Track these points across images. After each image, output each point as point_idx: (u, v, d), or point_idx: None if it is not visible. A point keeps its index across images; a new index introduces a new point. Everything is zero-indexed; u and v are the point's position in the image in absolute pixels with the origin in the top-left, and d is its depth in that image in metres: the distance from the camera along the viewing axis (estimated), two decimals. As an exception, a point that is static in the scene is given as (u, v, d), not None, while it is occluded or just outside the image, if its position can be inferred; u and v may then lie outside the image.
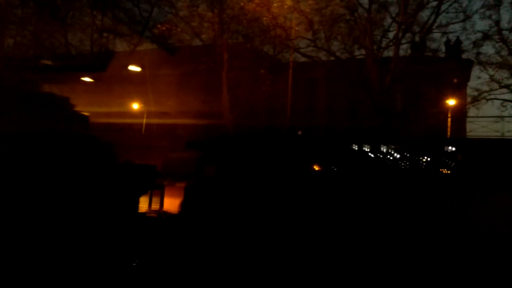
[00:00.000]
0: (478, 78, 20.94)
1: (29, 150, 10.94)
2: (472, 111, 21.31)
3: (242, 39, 23.54)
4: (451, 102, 22.04)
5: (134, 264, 8.73)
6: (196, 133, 19.67)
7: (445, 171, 13.62)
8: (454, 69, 22.23)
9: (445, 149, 14.01)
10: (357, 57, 22.69)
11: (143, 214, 14.69)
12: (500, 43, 20.42)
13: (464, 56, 21.94)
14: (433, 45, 21.55)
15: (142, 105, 21.73)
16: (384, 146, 14.25)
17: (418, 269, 8.59)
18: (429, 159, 13.86)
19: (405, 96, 25.05)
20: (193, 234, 11.69)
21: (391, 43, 21.77)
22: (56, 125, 12.17)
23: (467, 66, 22.93)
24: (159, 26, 22.73)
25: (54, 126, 12.03)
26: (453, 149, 13.89)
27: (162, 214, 15.03)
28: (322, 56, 23.12)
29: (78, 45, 20.37)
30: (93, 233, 10.22)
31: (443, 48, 22.26)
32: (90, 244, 9.38)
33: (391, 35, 22.08)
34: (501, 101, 21.04)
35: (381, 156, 14.35)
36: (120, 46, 23.00)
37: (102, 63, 19.21)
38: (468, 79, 23.77)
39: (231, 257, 9.21)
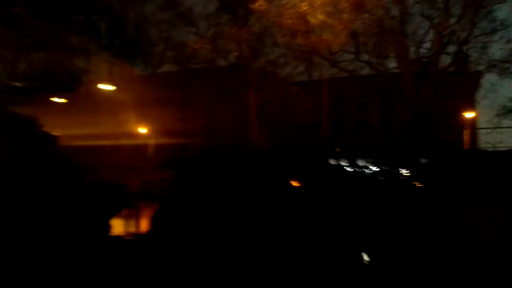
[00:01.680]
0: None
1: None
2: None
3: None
4: (470, 114, 21.57)
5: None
6: (176, 153, 19.51)
7: (417, 184, 13.15)
8: (465, 81, 21.69)
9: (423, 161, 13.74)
10: (392, 70, 22.24)
11: (118, 236, 14.20)
12: None
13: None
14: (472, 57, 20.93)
15: (122, 126, 21.48)
16: (362, 160, 13.95)
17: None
18: (407, 171, 13.52)
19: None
20: (157, 255, 11.17)
21: (430, 55, 21.15)
22: (22, 144, 11.98)
23: (477, 78, 22.30)
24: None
25: (19, 145, 11.83)
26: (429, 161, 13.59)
27: (137, 236, 14.56)
28: (361, 70, 22.77)
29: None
30: (54, 252, 9.77)
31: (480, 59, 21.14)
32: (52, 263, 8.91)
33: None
34: None
35: (358, 170, 14.01)
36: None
37: (77, 83, 19.22)
38: (476, 92, 23.10)
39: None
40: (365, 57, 23.13)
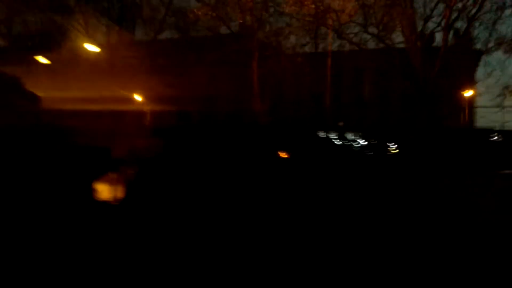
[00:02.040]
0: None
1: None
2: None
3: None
4: (468, 93, 21.53)
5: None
6: (169, 120, 19.29)
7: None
8: (466, 59, 21.43)
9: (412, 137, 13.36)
10: (399, 45, 22.27)
11: (100, 200, 14.09)
12: None
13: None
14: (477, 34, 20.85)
15: (114, 90, 21.13)
16: (351, 133, 13.54)
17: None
18: (395, 146, 13.09)
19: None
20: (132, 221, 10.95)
21: (439, 28, 21.11)
22: (4, 101, 11.81)
23: (477, 57, 22.20)
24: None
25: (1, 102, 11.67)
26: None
27: (118, 201, 14.46)
28: (368, 44, 22.74)
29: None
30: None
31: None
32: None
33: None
34: None
35: (346, 143, 13.60)
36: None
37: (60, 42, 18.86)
38: (475, 70, 23.18)
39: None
40: (373, 30, 22.86)
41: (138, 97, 21.85)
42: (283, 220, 10.84)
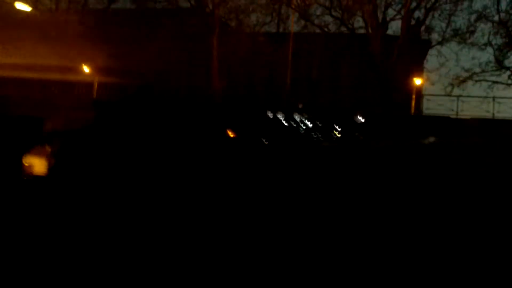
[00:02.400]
0: (472, 59, 22.47)
1: None
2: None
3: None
4: (417, 81, 22.12)
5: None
6: (110, 93, 18.29)
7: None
8: (415, 49, 22.05)
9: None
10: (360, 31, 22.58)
11: (28, 173, 13.17)
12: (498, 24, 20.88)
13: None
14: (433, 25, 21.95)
15: (55, 59, 19.70)
16: (298, 115, 13.25)
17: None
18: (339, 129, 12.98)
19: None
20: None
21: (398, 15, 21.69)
22: None
23: (426, 47, 22.99)
24: None
25: None
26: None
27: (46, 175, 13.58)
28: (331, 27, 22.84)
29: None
30: None
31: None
32: None
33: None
34: (489, 83, 21.53)
35: (294, 124, 13.26)
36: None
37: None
38: (424, 59, 23.94)
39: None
40: (337, 14, 22.90)
41: (85, 68, 20.59)
42: (224, 199, 10.40)
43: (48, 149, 13.72)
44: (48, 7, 21.42)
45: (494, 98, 20.38)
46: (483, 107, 20.18)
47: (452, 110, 20.82)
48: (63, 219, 8.24)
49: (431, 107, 21.40)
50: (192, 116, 14.09)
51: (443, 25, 22.07)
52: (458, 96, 21.33)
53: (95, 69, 20.36)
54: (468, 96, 21.28)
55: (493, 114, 19.62)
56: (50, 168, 13.87)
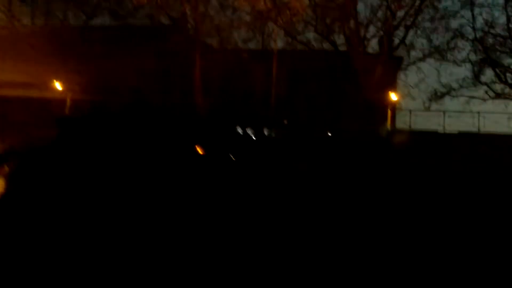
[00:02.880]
0: (449, 75, 22.31)
1: None
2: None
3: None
4: (393, 97, 22.74)
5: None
6: (77, 110, 17.67)
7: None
8: (389, 65, 22.37)
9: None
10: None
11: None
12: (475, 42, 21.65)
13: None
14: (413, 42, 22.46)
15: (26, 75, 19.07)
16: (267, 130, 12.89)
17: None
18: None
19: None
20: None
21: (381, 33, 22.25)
22: None
23: (398, 62, 23.53)
24: None
25: None
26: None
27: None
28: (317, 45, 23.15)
29: None
30: None
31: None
32: None
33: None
34: (466, 98, 22.16)
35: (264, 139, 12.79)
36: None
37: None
38: (397, 75, 24.48)
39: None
40: (323, 29, 22.90)
41: (57, 85, 20.01)
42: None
43: (5, 169, 13.04)
44: (23, 23, 21.01)
45: (479, 113, 21.40)
46: (469, 122, 21.07)
47: (439, 125, 21.61)
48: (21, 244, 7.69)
49: (418, 121, 22.39)
50: (159, 132, 13.49)
51: (424, 42, 22.62)
52: (444, 111, 22.08)
53: (69, 86, 19.83)
54: (454, 111, 22.10)
55: (479, 128, 20.42)
56: (6, 188, 13.15)
